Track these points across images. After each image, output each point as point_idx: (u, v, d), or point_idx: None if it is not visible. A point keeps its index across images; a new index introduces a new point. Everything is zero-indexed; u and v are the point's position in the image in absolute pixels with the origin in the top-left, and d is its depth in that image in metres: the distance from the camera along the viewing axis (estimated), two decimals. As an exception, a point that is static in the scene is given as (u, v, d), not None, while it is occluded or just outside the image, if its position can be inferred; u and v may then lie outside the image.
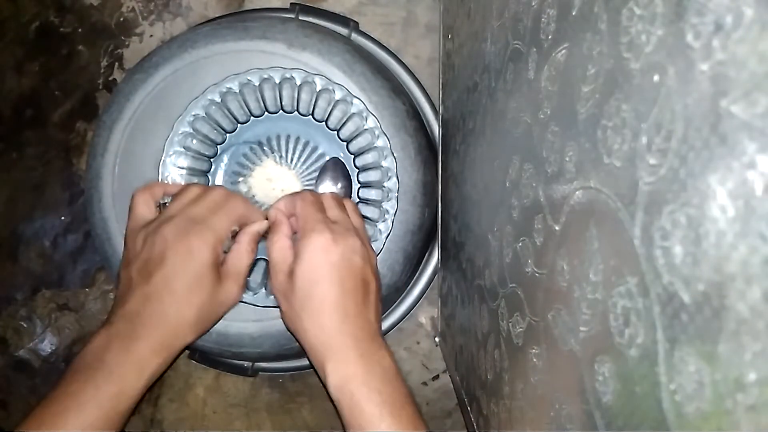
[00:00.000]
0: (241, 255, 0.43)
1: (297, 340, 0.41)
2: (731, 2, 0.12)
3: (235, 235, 0.43)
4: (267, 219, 0.45)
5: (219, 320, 0.45)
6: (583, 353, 0.20)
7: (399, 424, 0.35)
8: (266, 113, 0.51)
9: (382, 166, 0.50)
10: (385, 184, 0.50)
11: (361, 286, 0.39)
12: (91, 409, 0.36)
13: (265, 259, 0.51)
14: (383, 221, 0.50)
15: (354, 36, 0.60)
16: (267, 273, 0.50)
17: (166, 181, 0.49)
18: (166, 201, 0.46)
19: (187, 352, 0.63)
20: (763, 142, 0.12)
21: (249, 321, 0.49)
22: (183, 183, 0.50)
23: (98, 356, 0.37)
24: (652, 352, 0.15)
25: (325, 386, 0.38)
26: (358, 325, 0.38)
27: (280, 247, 0.41)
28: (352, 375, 0.36)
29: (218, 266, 0.41)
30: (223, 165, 0.53)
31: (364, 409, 0.35)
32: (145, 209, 0.44)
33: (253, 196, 0.53)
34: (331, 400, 0.37)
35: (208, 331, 0.44)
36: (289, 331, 0.43)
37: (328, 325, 0.37)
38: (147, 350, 0.38)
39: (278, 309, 0.49)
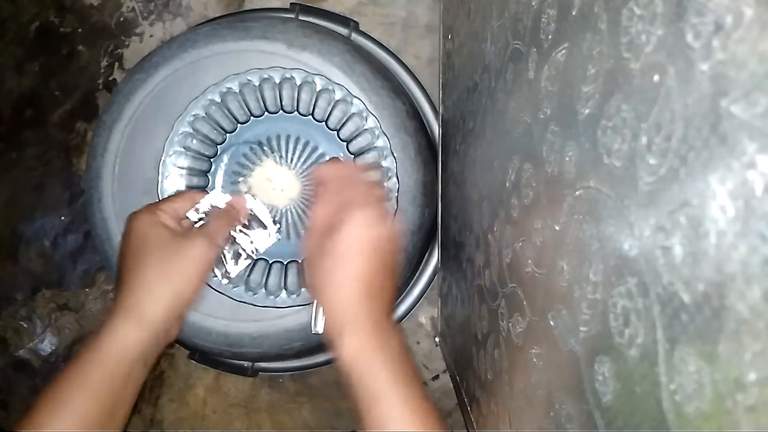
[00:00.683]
0: (213, 217, 0.45)
1: (315, 299, 0.42)
2: (731, 2, 0.12)
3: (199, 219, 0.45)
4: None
5: (198, 282, 0.42)
6: (583, 353, 0.20)
7: (408, 398, 0.36)
8: (266, 113, 0.51)
9: (382, 166, 0.50)
10: (385, 184, 0.50)
11: (388, 269, 0.40)
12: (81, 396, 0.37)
13: (266, 259, 0.51)
14: (383, 221, 0.50)
15: (354, 36, 0.60)
16: (269, 273, 0.50)
17: (166, 181, 0.50)
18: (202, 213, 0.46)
19: (187, 352, 0.63)
20: (763, 142, 0.12)
21: (249, 321, 0.49)
22: (183, 183, 0.50)
23: (86, 344, 0.40)
24: (652, 352, 0.15)
25: (337, 354, 0.39)
26: (376, 304, 0.39)
27: (324, 207, 0.42)
28: (367, 344, 0.37)
29: (177, 229, 0.43)
30: (223, 165, 0.53)
31: (379, 376, 0.36)
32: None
33: (253, 195, 0.53)
34: (342, 370, 0.38)
35: (190, 294, 0.42)
36: (309, 292, 0.43)
37: (351, 296, 0.39)
38: (119, 321, 0.39)
39: (278, 309, 0.49)
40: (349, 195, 0.41)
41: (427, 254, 0.61)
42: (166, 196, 0.48)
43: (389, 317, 0.40)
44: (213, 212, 0.45)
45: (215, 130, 0.51)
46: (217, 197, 0.45)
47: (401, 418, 0.35)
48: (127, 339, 0.39)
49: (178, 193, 0.46)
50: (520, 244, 0.27)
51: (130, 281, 0.40)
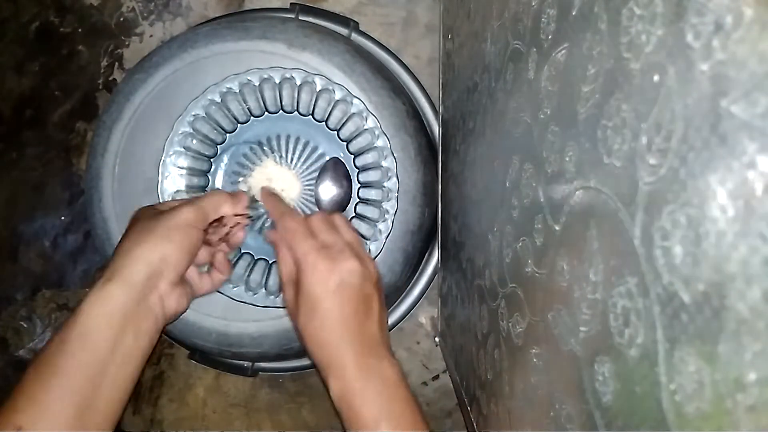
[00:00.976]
0: (207, 196, 0.44)
1: (306, 353, 0.43)
2: (731, 2, 0.12)
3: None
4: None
5: (182, 244, 0.40)
6: (583, 353, 0.20)
7: (396, 428, 0.36)
8: (266, 113, 0.51)
9: (382, 166, 0.50)
10: (385, 184, 0.50)
11: (361, 305, 0.40)
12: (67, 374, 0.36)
13: (265, 260, 0.51)
14: (383, 221, 0.50)
15: (354, 36, 0.60)
16: (269, 273, 0.50)
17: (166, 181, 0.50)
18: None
19: (187, 352, 0.63)
20: (763, 142, 0.12)
21: (249, 321, 0.49)
22: (183, 183, 0.50)
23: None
24: (652, 352, 0.15)
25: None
26: (357, 341, 0.39)
27: (285, 263, 0.43)
28: (349, 389, 0.38)
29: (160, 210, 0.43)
30: (223, 165, 0.53)
31: (360, 417, 0.37)
32: None
33: (253, 196, 0.53)
34: (335, 410, 0.39)
35: (179, 256, 0.40)
36: (300, 343, 0.43)
37: (327, 346, 0.39)
38: (100, 281, 0.39)
39: (277, 309, 0.49)
40: (301, 248, 0.41)
41: (427, 254, 0.61)
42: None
43: (378, 347, 0.40)
44: (210, 191, 0.45)
45: (215, 130, 0.51)
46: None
47: None
48: (107, 299, 0.37)
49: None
50: (520, 244, 0.27)
51: (113, 256, 0.40)
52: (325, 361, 0.39)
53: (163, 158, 0.49)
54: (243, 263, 0.50)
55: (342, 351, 0.38)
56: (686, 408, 0.14)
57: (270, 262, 0.51)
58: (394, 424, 0.36)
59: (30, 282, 0.64)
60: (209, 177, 0.52)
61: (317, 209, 0.51)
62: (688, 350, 0.14)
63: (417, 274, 0.61)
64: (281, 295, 0.44)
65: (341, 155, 0.52)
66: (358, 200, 0.51)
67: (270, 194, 0.48)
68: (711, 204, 0.13)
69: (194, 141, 0.50)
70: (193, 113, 0.49)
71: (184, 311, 0.43)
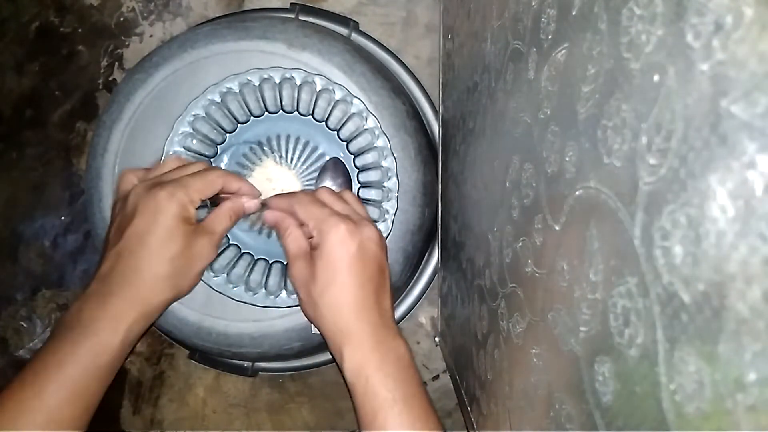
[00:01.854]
0: (219, 217, 0.43)
1: (314, 325, 0.42)
2: (731, 2, 0.12)
3: (218, 204, 0.44)
4: (260, 198, 0.46)
5: (196, 279, 0.44)
6: (583, 353, 0.20)
7: (410, 410, 0.36)
8: (266, 113, 0.51)
9: (382, 166, 0.50)
10: (385, 184, 0.50)
11: (378, 275, 0.40)
12: (71, 364, 0.36)
13: (265, 260, 0.51)
14: (383, 221, 0.50)
15: (354, 36, 0.60)
16: (269, 273, 0.50)
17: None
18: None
19: (187, 352, 0.63)
20: (763, 142, 0.12)
21: (249, 321, 0.49)
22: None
23: (75, 316, 0.38)
24: (652, 352, 0.15)
25: (341, 371, 0.39)
26: (375, 313, 0.39)
27: (294, 238, 0.42)
28: (367, 361, 0.37)
29: (191, 222, 0.42)
30: (223, 165, 0.53)
31: (378, 393, 0.36)
32: (129, 185, 0.44)
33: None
34: (347, 386, 0.39)
35: (187, 291, 0.44)
36: (307, 317, 0.43)
37: (347, 313, 0.38)
38: (121, 305, 0.38)
39: (277, 309, 0.49)
40: (320, 214, 0.41)
41: (427, 254, 0.61)
42: (190, 168, 0.44)
43: (391, 323, 0.40)
44: (219, 206, 0.44)
45: (215, 130, 0.51)
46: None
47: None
48: (130, 331, 0.39)
49: (202, 173, 0.43)
50: (520, 244, 0.27)
51: (134, 265, 0.39)
52: (343, 329, 0.38)
53: (163, 158, 0.49)
54: (243, 263, 0.50)
55: (362, 319, 0.38)
56: (686, 408, 0.14)
57: (270, 261, 0.51)
58: (408, 407, 0.36)
59: (30, 282, 0.64)
60: (209, 177, 0.52)
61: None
62: (688, 350, 0.14)
63: (417, 274, 0.61)
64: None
65: (341, 155, 0.52)
66: (358, 200, 0.51)
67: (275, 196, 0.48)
68: (711, 204, 0.13)
69: (194, 141, 0.50)
70: (193, 113, 0.49)
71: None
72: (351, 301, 0.38)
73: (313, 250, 0.41)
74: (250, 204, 0.45)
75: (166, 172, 0.44)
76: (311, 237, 0.42)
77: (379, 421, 0.35)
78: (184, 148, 0.50)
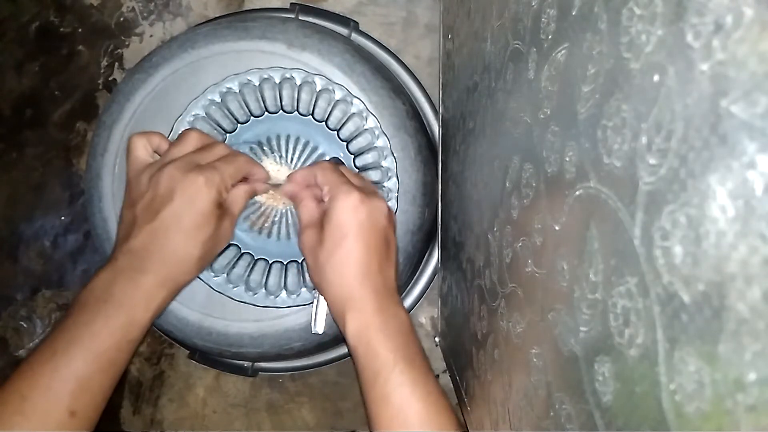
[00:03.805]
0: (237, 198, 0.45)
1: (320, 292, 0.44)
2: (731, 2, 0.12)
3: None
4: (270, 180, 0.49)
5: (215, 258, 0.47)
6: (583, 353, 0.20)
7: (411, 370, 0.36)
8: (266, 113, 0.51)
9: (382, 166, 0.50)
10: (385, 184, 0.50)
11: (383, 245, 0.41)
12: (104, 337, 0.37)
13: (265, 260, 0.51)
14: (383, 221, 0.50)
15: (354, 36, 0.60)
16: (269, 273, 0.50)
17: None
18: None
19: (187, 352, 0.63)
20: (763, 142, 0.12)
21: (249, 321, 0.49)
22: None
23: (106, 289, 0.39)
24: (652, 352, 0.15)
25: (343, 335, 0.40)
26: (378, 280, 0.40)
27: (308, 208, 0.44)
28: (369, 324, 0.38)
29: (222, 207, 0.43)
30: (223, 165, 0.53)
31: (379, 354, 0.37)
32: (144, 152, 0.45)
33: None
34: (349, 351, 0.40)
35: (204, 270, 0.46)
36: (313, 283, 0.44)
37: (351, 278, 0.39)
38: (154, 283, 0.39)
39: (277, 309, 0.49)
40: (329, 187, 0.43)
41: (427, 254, 0.61)
42: (216, 151, 0.45)
43: (393, 292, 0.41)
44: (236, 188, 0.45)
45: (215, 130, 0.51)
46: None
47: (402, 394, 0.36)
48: (159, 309, 0.40)
49: (232, 158, 0.44)
50: (520, 244, 0.27)
51: (169, 246, 0.40)
52: (346, 293, 0.39)
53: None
54: (243, 263, 0.50)
55: (365, 285, 0.39)
56: (686, 408, 0.14)
57: (270, 261, 0.51)
58: (409, 368, 0.36)
59: (30, 282, 0.64)
60: (209, 177, 0.52)
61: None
62: (688, 350, 0.14)
63: (417, 274, 0.61)
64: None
65: (341, 155, 0.52)
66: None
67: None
68: (711, 204, 0.13)
69: (194, 141, 0.50)
70: (193, 113, 0.49)
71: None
72: (355, 265, 0.39)
73: (324, 217, 0.42)
74: (261, 186, 0.47)
75: (192, 153, 0.44)
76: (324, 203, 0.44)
77: (380, 381, 0.36)
78: (184, 148, 0.50)
